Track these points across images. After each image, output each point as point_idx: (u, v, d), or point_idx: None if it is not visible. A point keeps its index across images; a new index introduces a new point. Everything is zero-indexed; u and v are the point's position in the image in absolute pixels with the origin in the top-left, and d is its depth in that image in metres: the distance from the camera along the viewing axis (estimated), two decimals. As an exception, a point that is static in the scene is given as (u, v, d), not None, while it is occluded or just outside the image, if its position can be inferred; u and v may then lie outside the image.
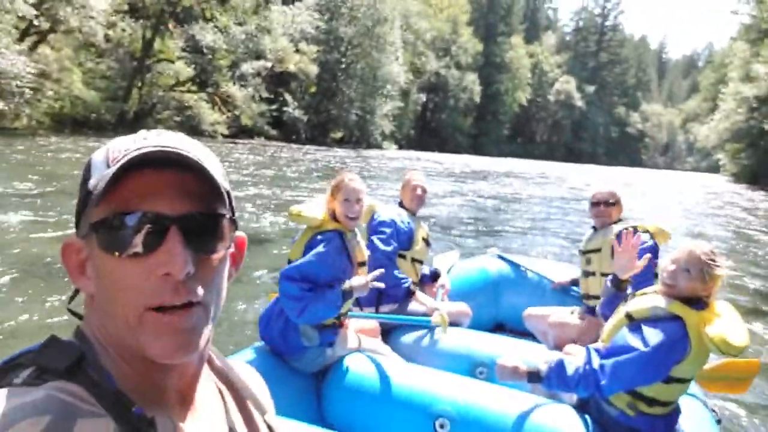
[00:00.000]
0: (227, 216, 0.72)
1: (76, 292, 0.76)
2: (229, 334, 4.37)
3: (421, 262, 3.71)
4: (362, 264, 2.82)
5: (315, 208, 2.78)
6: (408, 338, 3.28)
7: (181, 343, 0.66)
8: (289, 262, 2.72)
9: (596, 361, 2.22)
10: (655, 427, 2.23)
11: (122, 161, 0.65)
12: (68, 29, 24.20)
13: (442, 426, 2.38)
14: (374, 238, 3.41)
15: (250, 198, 11.76)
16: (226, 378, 0.84)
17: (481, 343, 3.21)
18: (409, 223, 3.58)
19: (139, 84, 31.73)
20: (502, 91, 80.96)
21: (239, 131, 37.45)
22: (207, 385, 0.79)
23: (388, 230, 3.43)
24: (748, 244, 12.31)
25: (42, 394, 0.59)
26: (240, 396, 0.84)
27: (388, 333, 3.35)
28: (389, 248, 3.37)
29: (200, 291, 0.67)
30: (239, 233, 0.78)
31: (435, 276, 3.91)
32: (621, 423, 2.25)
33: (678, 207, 20.49)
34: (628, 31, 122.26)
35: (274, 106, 38.01)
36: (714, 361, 2.44)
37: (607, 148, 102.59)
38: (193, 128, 34.28)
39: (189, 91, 34.29)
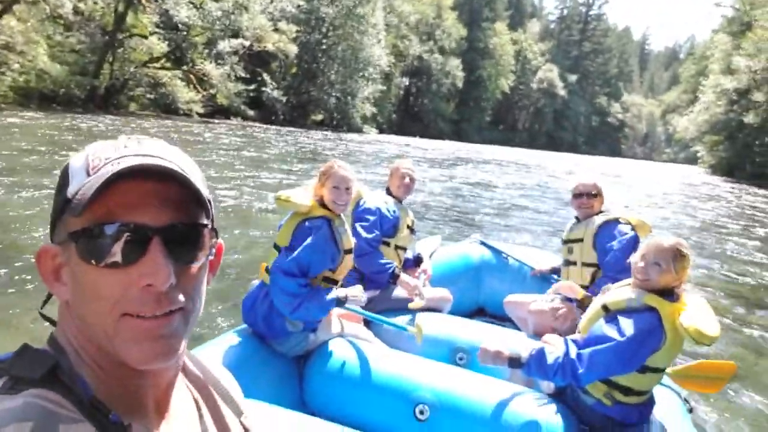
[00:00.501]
0: (209, 226, 0.72)
1: (49, 296, 0.76)
2: (210, 318, 4.36)
3: (404, 249, 3.73)
4: (348, 251, 2.81)
5: (303, 194, 2.76)
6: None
7: (160, 349, 0.66)
8: (276, 247, 2.73)
9: (573, 351, 2.28)
10: (630, 416, 2.29)
11: (105, 172, 0.65)
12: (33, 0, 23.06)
13: (422, 412, 2.40)
14: (357, 225, 3.40)
15: (228, 179, 11.49)
16: (200, 383, 0.84)
17: (462, 330, 3.24)
18: (395, 210, 3.57)
19: (111, 59, 30.56)
20: (485, 77, 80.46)
21: (215, 111, 36.37)
22: (181, 391, 0.79)
23: (371, 218, 3.42)
24: (722, 237, 12.39)
25: (21, 401, 0.59)
26: (215, 400, 0.84)
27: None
28: (371, 235, 3.36)
29: (181, 299, 0.68)
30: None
31: (417, 261, 3.93)
32: (597, 412, 2.31)
33: (656, 198, 20.59)
34: (611, 21, 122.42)
35: (251, 86, 36.91)
36: (690, 361, 2.53)
37: (587, 137, 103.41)
38: (166, 106, 33.41)
39: (163, 68, 33.08)
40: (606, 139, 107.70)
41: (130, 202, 0.65)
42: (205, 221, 0.72)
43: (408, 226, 3.67)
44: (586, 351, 2.24)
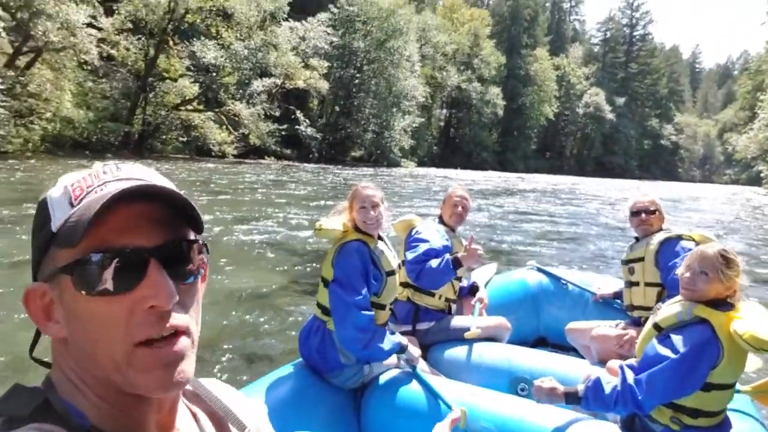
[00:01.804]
0: (199, 241, 0.73)
1: (36, 339, 0.76)
2: (268, 351, 4.34)
3: (459, 279, 3.64)
4: (391, 273, 2.75)
5: (337, 221, 2.73)
6: (447, 354, 3.22)
7: (174, 374, 0.66)
8: (323, 280, 2.71)
9: (630, 377, 2.19)
10: None
11: (92, 200, 0.65)
12: (56, 47, 23.07)
13: None
14: (408, 253, 3.31)
15: (259, 217, 11.44)
16: (200, 402, 0.85)
17: (522, 359, 3.14)
18: (447, 239, 3.44)
19: (143, 103, 30.60)
20: (527, 105, 78.41)
21: (249, 151, 36.03)
22: (182, 412, 0.79)
23: (424, 242, 3.28)
24: None
25: None
26: (217, 416, 0.85)
27: (426, 348, 3.30)
28: (415, 254, 3.23)
29: (183, 318, 0.68)
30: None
31: (473, 290, 3.83)
32: None
33: (718, 220, 19.43)
34: (658, 40, 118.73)
35: (284, 125, 36.27)
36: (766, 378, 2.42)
37: (640, 161, 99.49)
38: (199, 148, 33.17)
39: (195, 110, 32.97)
40: (660, 162, 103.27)
41: (122, 226, 0.65)
42: (195, 237, 0.72)
43: None
44: (643, 375, 2.14)
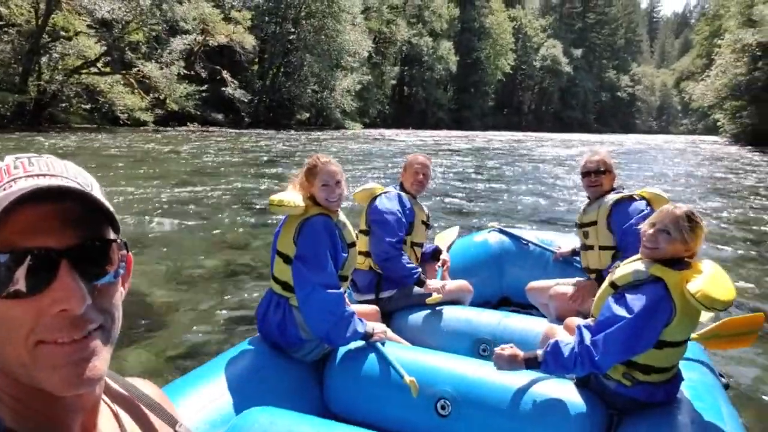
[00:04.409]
0: (116, 239, 0.70)
1: None
2: (224, 328, 4.27)
3: (421, 245, 3.70)
4: (352, 245, 2.78)
5: (294, 194, 2.66)
6: (410, 320, 3.32)
7: (83, 372, 0.63)
8: (278, 253, 2.66)
9: (587, 338, 2.21)
10: (655, 395, 2.22)
11: (1, 198, 0.62)
12: None
13: (443, 407, 2.37)
14: (376, 227, 3.38)
15: (204, 190, 10.89)
16: (125, 399, 0.83)
17: (483, 320, 3.23)
18: (410, 208, 3.52)
19: (37, 68, 26.86)
20: (482, 60, 75.46)
21: (168, 117, 32.50)
22: (105, 411, 0.78)
23: (391, 218, 3.37)
24: (746, 209, 11.30)
25: None
26: (144, 414, 0.84)
27: (388, 315, 3.36)
28: (395, 239, 3.34)
29: (98, 318, 0.65)
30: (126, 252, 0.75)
31: (436, 254, 3.89)
32: (620, 394, 2.25)
33: (674, 173, 18.75)
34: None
35: (203, 87, 32.61)
36: (714, 323, 2.55)
37: (598, 115, 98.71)
38: (109, 117, 29.66)
39: (99, 73, 29.21)
40: (618, 114, 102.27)
41: (30, 226, 0.62)
42: (112, 235, 0.69)
43: (423, 221, 3.63)
44: (599, 335, 2.16)
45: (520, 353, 2.31)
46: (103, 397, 0.75)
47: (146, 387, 0.88)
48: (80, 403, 0.68)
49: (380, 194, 3.50)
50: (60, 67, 27.70)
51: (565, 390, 2.31)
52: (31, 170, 0.65)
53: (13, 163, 0.66)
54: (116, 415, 0.77)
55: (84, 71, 28.62)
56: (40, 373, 0.61)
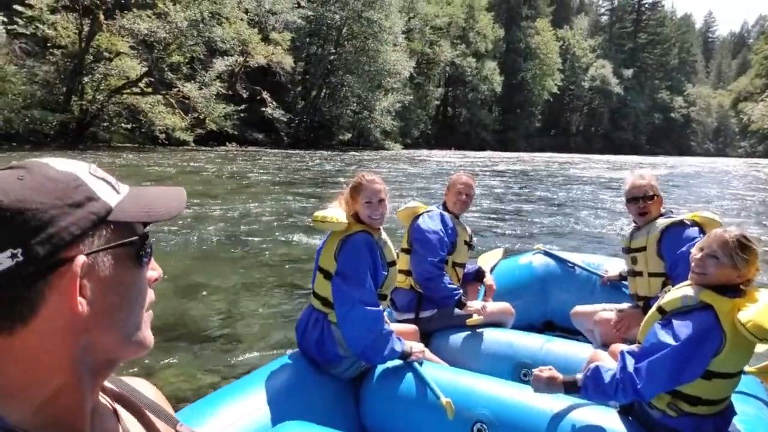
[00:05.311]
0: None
1: None
2: (267, 345, 4.26)
3: (463, 266, 3.65)
4: (392, 264, 2.77)
5: (338, 211, 2.68)
6: (450, 341, 3.27)
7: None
8: (321, 270, 2.66)
9: (631, 364, 2.11)
10: (702, 428, 2.08)
11: (142, 192, 0.73)
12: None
13: (480, 431, 2.33)
14: (419, 246, 3.35)
15: (246, 207, 10.93)
16: (124, 399, 0.85)
17: (525, 344, 3.16)
18: (452, 227, 3.48)
19: (80, 88, 27.22)
20: (528, 80, 74.06)
21: (208, 137, 32.54)
22: (104, 412, 0.79)
23: (434, 238, 3.33)
24: None
25: None
26: (145, 415, 0.85)
27: (427, 335, 3.31)
28: (437, 258, 3.30)
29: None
30: None
31: (479, 275, 3.84)
32: (664, 425, 2.14)
33: (731, 197, 17.82)
34: (669, 8, 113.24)
35: (241, 107, 32.40)
36: None
37: (650, 136, 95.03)
38: (150, 136, 29.83)
39: (141, 93, 29.42)
40: (671, 136, 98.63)
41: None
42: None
43: (465, 242, 3.58)
44: (643, 362, 2.05)
45: (560, 376, 2.25)
46: (104, 396, 0.78)
47: (144, 387, 0.89)
48: (93, 406, 0.71)
49: (423, 213, 3.49)
50: (102, 87, 28.04)
51: (607, 418, 2.24)
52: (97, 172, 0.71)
53: (89, 167, 0.71)
54: (117, 415, 0.78)
55: (126, 91, 28.93)
56: (146, 331, 0.71)
